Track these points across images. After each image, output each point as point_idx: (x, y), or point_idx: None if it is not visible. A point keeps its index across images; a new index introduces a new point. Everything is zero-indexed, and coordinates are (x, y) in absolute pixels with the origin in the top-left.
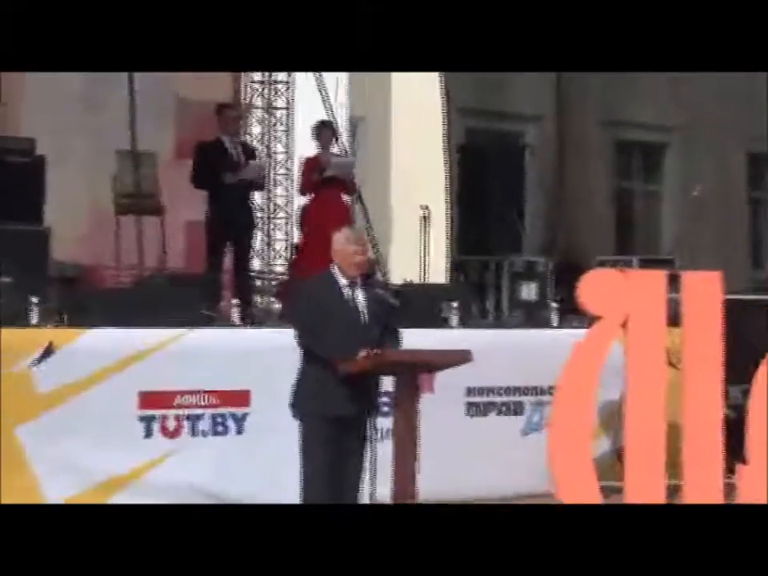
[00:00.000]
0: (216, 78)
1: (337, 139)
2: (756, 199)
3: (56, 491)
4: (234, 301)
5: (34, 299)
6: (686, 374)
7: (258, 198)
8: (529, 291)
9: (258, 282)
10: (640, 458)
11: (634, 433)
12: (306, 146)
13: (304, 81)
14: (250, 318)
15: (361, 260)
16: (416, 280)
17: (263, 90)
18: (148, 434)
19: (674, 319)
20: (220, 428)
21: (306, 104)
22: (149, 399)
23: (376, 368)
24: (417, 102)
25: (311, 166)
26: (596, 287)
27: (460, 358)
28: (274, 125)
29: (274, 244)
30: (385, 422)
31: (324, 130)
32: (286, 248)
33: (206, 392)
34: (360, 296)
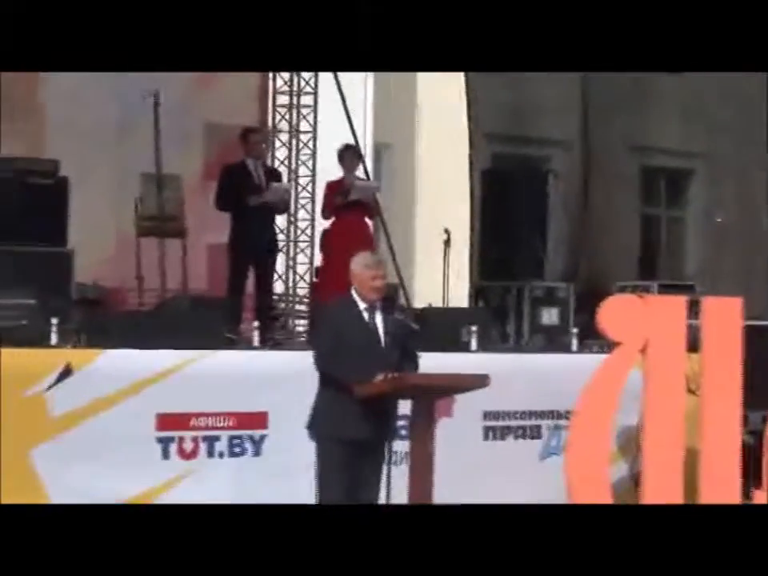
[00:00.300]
0: (242, 102)
1: (361, 163)
2: None
3: None
4: (255, 323)
5: (54, 320)
6: (705, 400)
7: (280, 220)
8: (549, 316)
9: (281, 305)
10: (658, 484)
11: (652, 458)
12: (330, 170)
13: (330, 104)
14: (271, 341)
15: (379, 284)
16: (438, 304)
17: (288, 113)
18: (165, 455)
19: (693, 345)
20: (237, 449)
21: (330, 128)
22: (167, 420)
23: (393, 392)
24: (442, 127)
25: (335, 190)
26: (616, 313)
27: (477, 382)
28: (300, 148)
29: (296, 267)
30: (402, 446)
31: (348, 154)
32: (308, 271)
33: (223, 414)
34: (379, 320)
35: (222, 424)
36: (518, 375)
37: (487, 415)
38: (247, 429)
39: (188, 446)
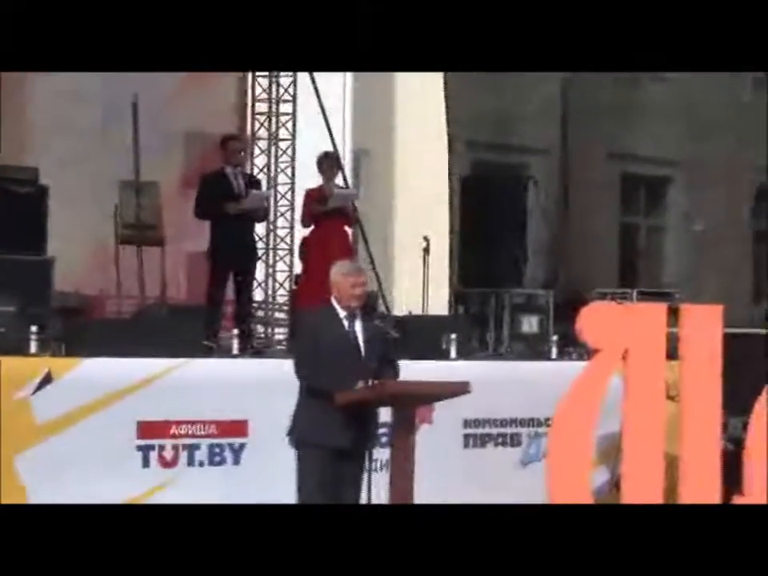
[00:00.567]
0: (220, 110)
1: (340, 171)
2: (760, 232)
3: None
4: (235, 331)
5: (34, 328)
6: (685, 407)
7: (260, 228)
8: (529, 324)
9: (260, 313)
10: (638, 490)
11: (633, 465)
12: (310, 178)
13: (309, 112)
14: (250, 349)
15: (359, 292)
16: (417, 312)
17: (267, 121)
18: (146, 463)
19: (673, 352)
20: (217, 458)
21: (309, 136)
22: (147, 429)
23: (374, 399)
24: (421, 134)
25: (314, 198)
26: (596, 320)
27: (458, 389)
28: (279, 156)
29: (276, 275)
30: (382, 454)
31: (327, 161)
32: (288, 279)
33: (204, 422)
34: (359, 327)
35: (202, 432)
36: (498, 383)
37: (467, 423)
38: (227, 437)
39: (168, 454)
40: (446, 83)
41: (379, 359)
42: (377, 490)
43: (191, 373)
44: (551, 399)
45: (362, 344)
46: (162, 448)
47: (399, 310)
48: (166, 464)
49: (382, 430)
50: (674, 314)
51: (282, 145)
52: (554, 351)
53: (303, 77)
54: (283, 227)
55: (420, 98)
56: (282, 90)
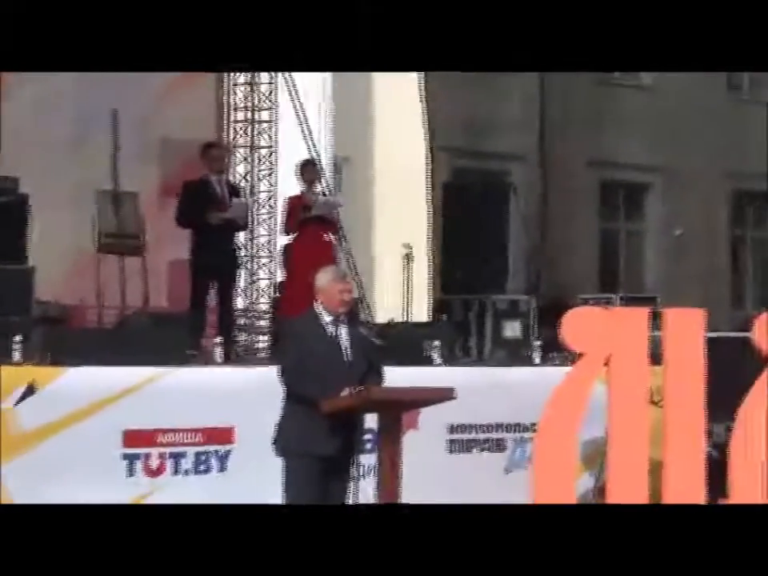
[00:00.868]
0: (199, 118)
1: (321, 178)
2: (738, 237)
3: None
4: (217, 339)
5: (17, 338)
6: (668, 412)
7: (241, 236)
8: (512, 329)
9: (241, 321)
10: (623, 496)
11: (617, 470)
12: (290, 185)
13: (288, 120)
14: (233, 356)
15: (346, 298)
16: (399, 318)
17: (247, 128)
18: (131, 472)
19: (656, 357)
20: (203, 466)
21: (289, 143)
22: (132, 437)
23: (360, 406)
24: (401, 141)
25: (296, 205)
26: (579, 325)
27: (443, 395)
28: (258, 164)
29: (257, 282)
30: (368, 460)
31: (308, 169)
32: (269, 286)
33: (189, 430)
34: (344, 334)
35: (187, 440)
36: (481, 388)
37: (452, 428)
38: (213, 444)
39: (154, 462)
40: (425, 91)
41: (364, 366)
42: (364, 496)
43: (175, 381)
44: (535, 404)
45: (347, 350)
46: (147, 457)
47: (381, 317)
48: (152, 473)
49: (367, 436)
50: (656, 318)
51: (263, 152)
52: (537, 356)
53: (283, 84)
54: (264, 235)
55: (399, 105)
56: (261, 98)
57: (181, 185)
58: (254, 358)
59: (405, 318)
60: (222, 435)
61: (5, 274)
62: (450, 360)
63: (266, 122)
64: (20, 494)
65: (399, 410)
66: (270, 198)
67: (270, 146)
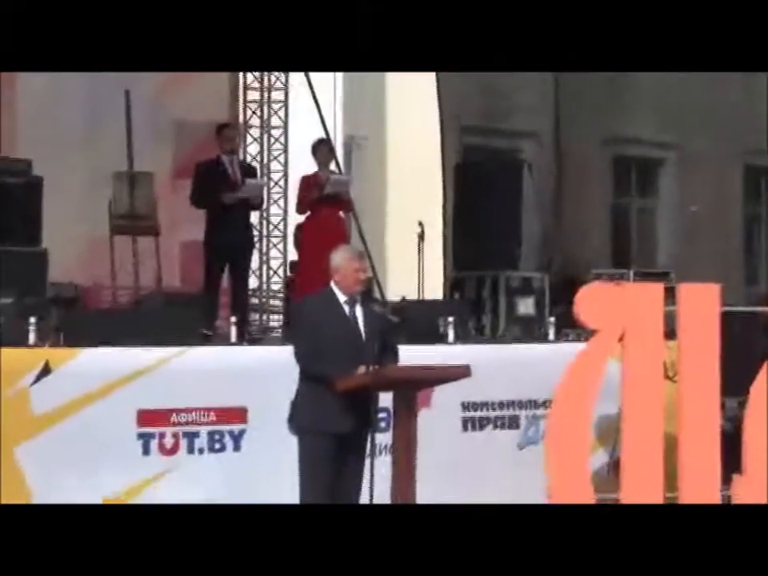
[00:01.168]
0: (212, 99)
1: (334, 158)
2: (752, 214)
3: None
4: (232, 319)
5: (32, 319)
6: (683, 387)
7: (253, 216)
8: (525, 306)
9: (254, 300)
10: (637, 472)
11: (631, 446)
12: (302, 165)
13: (300, 100)
14: (248, 336)
15: (362, 277)
16: (412, 297)
17: (260, 109)
18: (146, 451)
19: (670, 332)
20: (217, 445)
21: (301, 123)
22: (147, 417)
23: (375, 384)
24: (413, 120)
25: (309, 184)
26: (593, 301)
27: (459, 372)
28: (271, 144)
29: (270, 262)
30: (383, 438)
31: (322, 148)
32: (282, 266)
33: (203, 409)
34: (359, 313)
35: (201, 419)
36: (495, 366)
37: (466, 406)
38: (227, 423)
39: (168, 442)
40: None
41: (379, 344)
42: (379, 474)
43: (190, 361)
44: (549, 381)
45: (362, 329)
46: (162, 436)
47: (394, 295)
48: (167, 452)
49: (382, 415)
50: (670, 294)
51: (275, 133)
52: (551, 333)
53: None
54: (276, 215)
55: (411, 83)
56: (273, 78)
57: (194, 166)
58: (267, 338)
59: (418, 296)
60: (236, 415)
61: (19, 256)
62: (463, 337)
63: (278, 102)
64: (35, 476)
65: (414, 388)
66: (281, 178)
67: (283, 126)
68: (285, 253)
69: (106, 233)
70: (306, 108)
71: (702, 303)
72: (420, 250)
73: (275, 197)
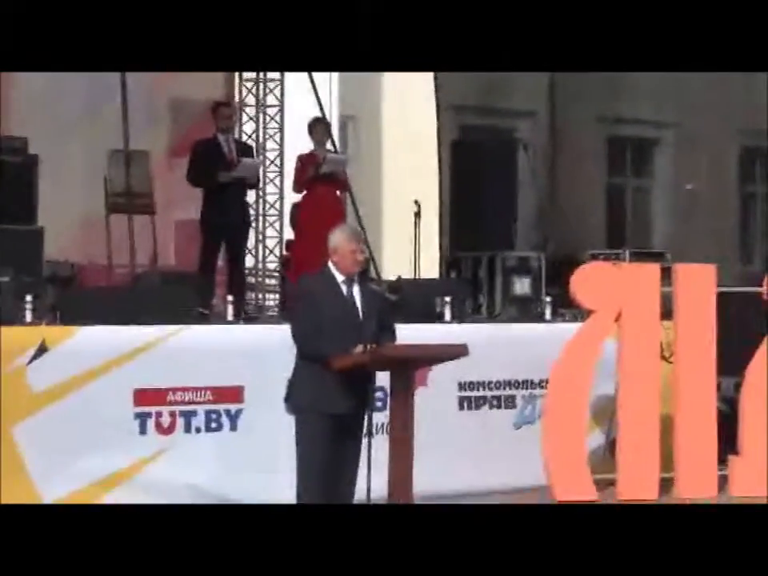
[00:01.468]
0: (208, 77)
1: (330, 137)
2: (748, 193)
3: (51, 489)
4: (228, 298)
5: (29, 298)
6: (679, 367)
7: (249, 195)
8: (522, 286)
9: (251, 279)
10: (633, 451)
11: (628, 426)
12: (298, 144)
13: (296, 78)
14: (244, 315)
15: (360, 257)
16: (408, 276)
17: (255, 87)
18: (143, 430)
19: (667, 312)
20: (214, 424)
21: (297, 102)
22: (143, 396)
23: (372, 363)
24: (408, 99)
25: (306, 163)
26: (589, 281)
27: (456, 351)
28: (267, 123)
29: (266, 241)
30: (380, 417)
31: (319, 127)
32: (278, 245)
33: (200, 388)
34: (356, 292)
35: (198, 398)
36: (492, 345)
37: (462, 386)
38: (224, 403)
39: (165, 421)
40: None
41: (377, 323)
42: (376, 453)
43: (186, 340)
44: (545, 361)
45: (359, 308)
46: (159, 415)
47: (390, 274)
48: (164, 431)
49: (379, 394)
50: (666, 274)
51: (271, 111)
52: (548, 313)
53: None
54: (272, 193)
55: None
56: None
57: (190, 144)
58: (264, 317)
59: (414, 276)
60: (233, 394)
61: (15, 234)
62: (460, 317)
63: (273, 80)
64: (32, 455)
65: (411, 366)
66: (277, 157)
67: (278, 105)
68: (281, 232)
69: (102, 211)
70: (301, 87)
71: (699, 283)
72: (416, 229)
73: (271, 176)
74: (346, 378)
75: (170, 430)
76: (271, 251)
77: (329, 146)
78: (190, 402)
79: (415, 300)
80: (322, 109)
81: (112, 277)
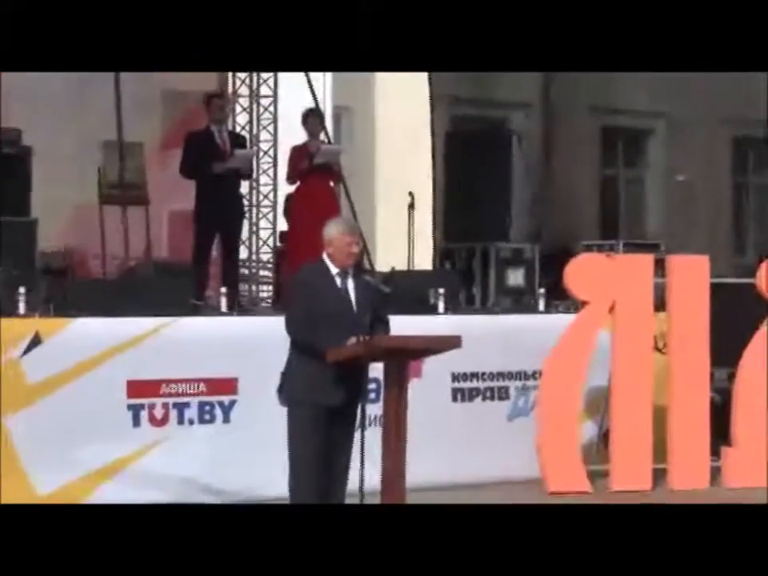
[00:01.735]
0: None
1: (324, 128)
2: (740, 183)
3: (44, 480)
4: (222, 289)
5: (22, 289)
6: (673, 358)
7: (243, 186)
8: (515, 277)
9: (244, 271)
10: (626, 443)
11: (621, 417)
12: (292, 135)
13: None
14: (238, 307)
15: (355, 250)
16: (402, 267)
17: (249, 79)
18: (136, 422)
19: (660, 303)
20: (207, 416)
21: (291, 93)
22: (137, 388)
23: (366, 355)
24: (402, 90)
25: (300, 154)
26: (583, 272)
27: (450, 343)
28: (260, 114)
29: (259, 233)
30: (373, 409)
31: (312, 118)
32: (272, 236)
33: (193, 380)
34: (351, 284)
35: (191, 390)
36: (485, 337)
37: (455, 377)
38: (217, 395)
39: (159, 412)
40: None
41: (371, 315)
42: (369, 444)
43: (180, 331)
44: (539, 353)
45: (353, 300)
46: (152, 407)
47: (384, 265)
48: (157, 423)
49: (372, 386)
50: (660, 266)
51: (264, 102)
52: (541, 304)
53: None
54: (266, 185)
55: None
56: None
57: (183, 136)
58: (257, 308)
59: (408, 267)
60: (226, 386)
61: (8, 226)
62: (453, 308)
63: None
64: (26, 447)
65: (405, 358)
66: (271, 148)
67: (272, 96)
68: (274, 223)
69: (96, 202)
70: (295, 77)
71: (692, 274)
72: (410, 221)
73: (265, 167)
74: (339, 370)
75: (163, 421)
76: (265, 242)
77: (322, 137)
78: (183, 394)
79: (409, 291)
80: (315, 100)
81: (105, 269)
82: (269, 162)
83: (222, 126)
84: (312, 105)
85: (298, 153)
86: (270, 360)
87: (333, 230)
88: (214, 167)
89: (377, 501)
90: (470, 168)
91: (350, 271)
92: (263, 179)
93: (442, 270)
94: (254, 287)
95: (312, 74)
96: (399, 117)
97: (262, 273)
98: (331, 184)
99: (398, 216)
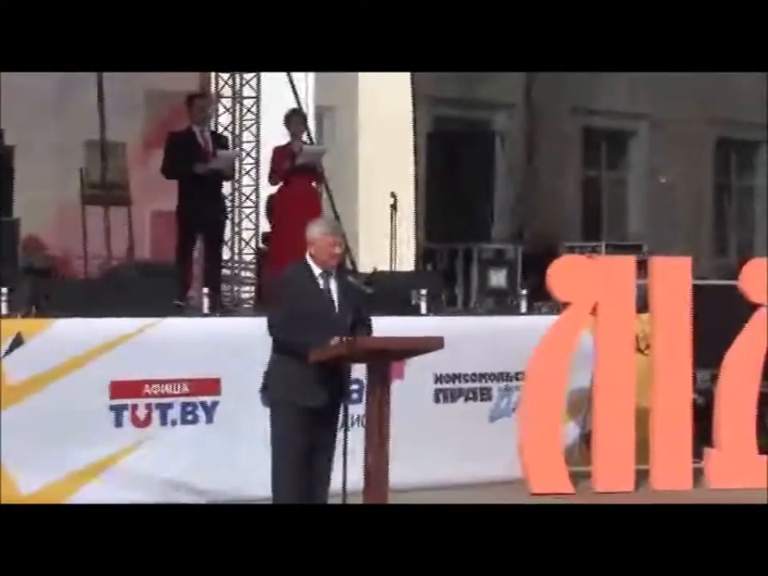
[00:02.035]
0: None
1: (306, 128)
2: (722, 185)
3: (27, 481)
4: (204, 290)
5: (4, 290)
6: (656, 360)
7: (225, 187)
8: (498, 278)
9: (227, 271)
10: (609, 444)
11: (603, 418)
12: (275, 136)
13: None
14: (220, 308)
15: (338, 251)
16: (385, 268)
17: (231, 79)
18: (119, 423)
19: (643, 305)
20: (190, 417)
21: (274, 93)
22: (119, 388)
23: (349, 355)
24: (384, 90)
25: (282, 155)
26: (565, 274)
27: (433, 344)
28: (243, 114)
29: (242, 233)
30: (356, 409)
31: (295, 118)
32: (254, 237)
33: (176, 381)
34: (333, 285)
35: (174, 391)
36: (468, 338)
37: (438, 378)
38: (200, 395)
39: (141, 413)
40: None
41: (353, 316)
42: (352, 445)
43: (162, 332)
44: (521, 354)
45: (336, 301)
46: (134, 408)
47: (366, 266)
48: (140, 423)
49: (355, 387)
50: (642, 267)
51: (247, 103)
52: (524, 305)
53: None
54: (248, 185)
55: None
56: None
57: (166, 136)
58: (240, 309)
59: (390, 268)
60: (209, 386)
61: None
62: (436, 309)
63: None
64: (8, 448)
65: (388, 359)
66: (253, 149)
67: (254, 97)
68: (257, 224)
69: (78, 203)
70: (278, 78)
71: (674, 276)
72: (392, 221)
73: (247, 167)
74: (321, 371)
75: (146, 422)
76: (247, 243)
77: (305, 137)
78: (166, 395)
79: (391, 292)
80: (298, 100)
81: (88, 269)
82: (251, 163)
83: (204, 127)
84: (294, 105)
85: (280, 153)
86: (252, 360)
87: (315, 231)
88: (196, 168)
89: (359, 501)
90: (452, 168)
91: (332, 272)
92: (246, 180)
93: (424, 270)
94: (236, 288)
95: (294, 75)
96: (382, 117)
97: (244, 273)
98: (313, 184)
99: (381, 216)
